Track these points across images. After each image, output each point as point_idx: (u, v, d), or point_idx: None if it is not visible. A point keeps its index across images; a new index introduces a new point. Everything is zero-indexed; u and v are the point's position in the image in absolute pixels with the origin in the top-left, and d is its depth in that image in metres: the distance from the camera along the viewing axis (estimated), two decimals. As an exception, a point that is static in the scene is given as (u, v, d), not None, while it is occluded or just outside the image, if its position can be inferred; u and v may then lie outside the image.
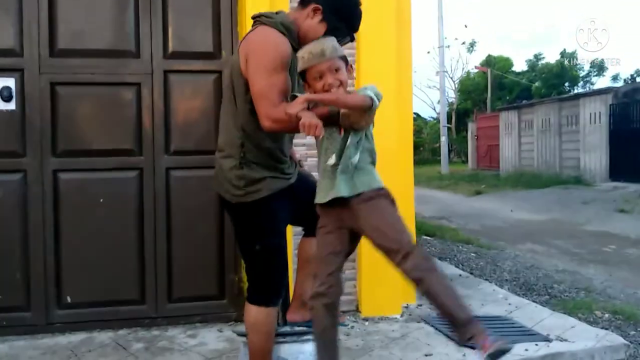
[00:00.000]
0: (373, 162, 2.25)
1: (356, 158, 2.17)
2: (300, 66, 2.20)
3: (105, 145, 3.55)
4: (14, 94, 3.42)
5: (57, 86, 3.48)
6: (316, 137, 2.13)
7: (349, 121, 2.14)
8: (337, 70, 2.16)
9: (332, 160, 2.17)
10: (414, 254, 2.08)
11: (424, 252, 2.11)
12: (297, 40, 2.34)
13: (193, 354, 3.15)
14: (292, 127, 2.09)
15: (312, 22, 2.35)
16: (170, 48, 3.59)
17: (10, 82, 3.41)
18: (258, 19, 2.37)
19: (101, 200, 3.52)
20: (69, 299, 3.51)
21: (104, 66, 3.51)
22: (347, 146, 2.16)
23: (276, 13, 2.39)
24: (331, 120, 2.15)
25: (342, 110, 2.13)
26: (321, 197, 2.22)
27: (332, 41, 2.22)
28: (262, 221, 2.36)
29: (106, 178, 3.55)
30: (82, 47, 3.50)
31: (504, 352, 1.95)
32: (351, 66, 2.26)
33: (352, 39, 2.49)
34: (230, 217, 2.49)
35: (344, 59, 2.21)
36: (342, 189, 2.15)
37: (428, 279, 2.05)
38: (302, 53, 2.20)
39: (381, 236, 2.15)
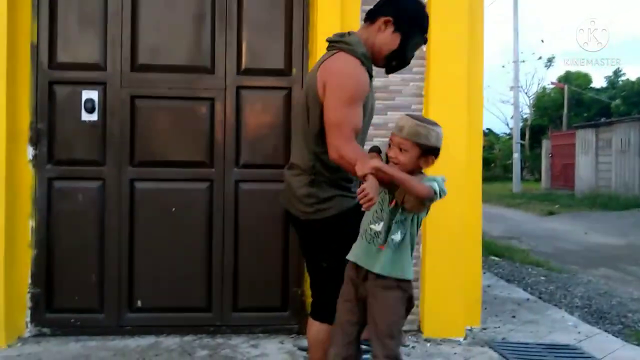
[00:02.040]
0: (412, 250, 2.24)
1: (398, 236, 2.17)
2: None
3: (179, 156, 3.69)
4: (96, 106, 3.61)
5: (137, 99, 3.65)
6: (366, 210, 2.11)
7: (403, 199, 2.14)
8: (403, 150, 2.15)
9: (378, 227, 2.18)
10: None
11: None
12: (371, 67, 2.38)
13: (255, 364, 3.21)
14: (352, 170, 2.13)
15: (384, 35, 2.37)
16: (244, 64, 3.70)
17: (93, 94, 3.61)
18: (336, 44, 2.38)
19: (173, 209, 3.66)
20: (139, 303, 3.66)
21: (181, 81, 3.66)
22: (393, 221, 2.17)
23: (348, 34, 2.41)
24: (389, 188, 2.16)
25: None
26: (353, 256, 2.24)
27: (420, 127, 2.14)
28: (330, 239, 2.37)
29: (179, 188, 3.69)
30: (160, 63, 3.67)
31: None
32: (433, 159, 2.19)
33: (425, 41, 2.50)
34: (297, 233, 2.52)
35: (423, 147, 2.14)
36: (377, 266, 2.17)
37: None
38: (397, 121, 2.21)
39: (373, 331, 2.18)
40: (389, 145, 2.19)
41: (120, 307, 3.64)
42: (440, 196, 2.12)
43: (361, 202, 2.01)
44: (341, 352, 2.22)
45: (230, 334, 3.66)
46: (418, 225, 2.24)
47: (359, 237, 2.25)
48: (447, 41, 3.70)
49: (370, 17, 2.42)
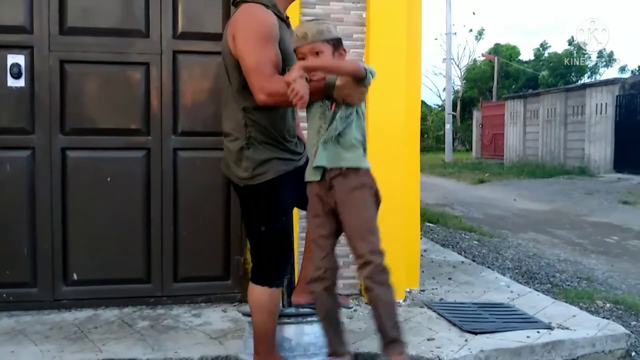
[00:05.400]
0: (363, 142, 2.23)
1: (340, 128, 2.15)
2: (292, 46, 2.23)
3: (113, 124, 3.55)
4: (23, 71, 3.42)
5: (66, 64, 3.48)
6: (302, 108, 2.17)
7: (342, 93, 2.13)
8: (318, 53, 2.16)
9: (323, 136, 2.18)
10: (372, 265, 2.13)
11: (381, 264, 2.15)
12: (283, 14, 2.38)
13: (198, 332, 3.18)
14: (287, 100, 2.10)
15: None
16: (180, 28, 3.58)
17: (19, 59, 3.42)
18: (240, 1, 2.38)
19: (108, 179, 3.54)
20: (75, 276, 3.54)
21: (114, 45, 3.51)
22: (335, 118, 2.16)
23: None
24: (325, 93, 2.15)
25: (337, 83, 2.12)
26: (309, 175, 2.24)
27: (319, 24, 2.20)
28: (268, 203, 2.38)
29: (114, 157, 3.56)
30: (91, 25, 3.50)
31: None
32: (344, 50, 2.24)
33: None
34: (239, 199, 2.51)
35: (331, 42, 2.19)
36: (322, 159, 2.16)
37: (376, 291, 2.14)
38: (294, 32, 2.22)
39: (352, 233, 2.19)
40: (301, 59, 2.18)
41: (54, 281, 3.51)
42: (372, 76, 2.14)
43: (294, 101, 2.03)
44: (320, 265, 2.24)
45: (171, 304, 3.61)
46: (363, 117, 2.24)
47: (310, 159, 2.24)
48: (387, 11, 3.70)
49: None
